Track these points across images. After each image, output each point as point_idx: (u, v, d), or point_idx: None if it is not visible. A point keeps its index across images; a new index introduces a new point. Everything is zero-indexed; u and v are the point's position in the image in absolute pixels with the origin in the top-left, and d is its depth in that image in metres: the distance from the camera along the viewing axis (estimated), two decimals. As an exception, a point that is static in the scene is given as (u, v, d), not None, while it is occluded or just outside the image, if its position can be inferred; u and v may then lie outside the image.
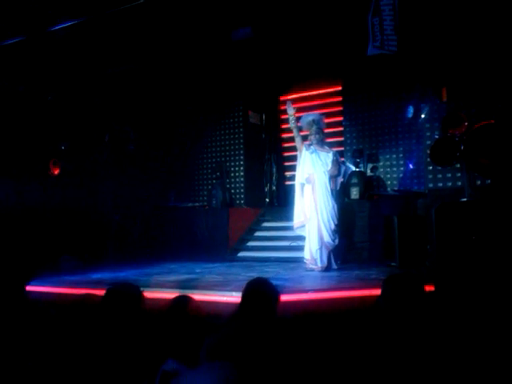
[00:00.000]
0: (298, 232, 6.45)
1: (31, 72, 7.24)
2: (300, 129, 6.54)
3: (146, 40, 7.49)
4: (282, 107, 10.06)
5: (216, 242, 8.35)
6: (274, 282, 4.95)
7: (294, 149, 8.48)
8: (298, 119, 6.52)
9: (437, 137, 7.28)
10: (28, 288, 3.49)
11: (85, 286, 5.23)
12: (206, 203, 9.35)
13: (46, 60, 7.21)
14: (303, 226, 6.29)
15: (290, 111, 6.30)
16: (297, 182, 6.52)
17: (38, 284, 5.09)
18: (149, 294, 2.83)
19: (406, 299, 2.49)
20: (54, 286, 5.37)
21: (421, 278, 2.76)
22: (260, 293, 2.49)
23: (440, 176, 7.52)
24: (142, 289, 2.72)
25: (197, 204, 9.30)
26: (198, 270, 6.71)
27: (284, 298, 4.40)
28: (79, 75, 7.74)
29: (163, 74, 8.56)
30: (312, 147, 6.37)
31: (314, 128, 6.37)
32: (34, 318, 2.78)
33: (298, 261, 6.50)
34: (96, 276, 6.25)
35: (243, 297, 2.49)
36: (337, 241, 6.18)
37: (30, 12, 6.50)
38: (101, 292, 2.77)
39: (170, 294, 4.39)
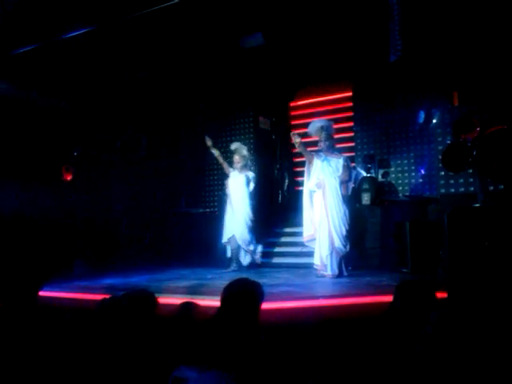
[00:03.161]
0: (308, 244, 6.49)
1: (44, 79, 7.32)
2: (306, 145, 6.60)
3: (158, 47, 7.55)
4: (293, 113, 10.10)
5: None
6: (285, 289, 4.98)
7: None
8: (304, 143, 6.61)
9: (449, 142, 7.22)
10: (41, 293, 3.51)
11: (97, 292, 5.26)
12: (216, 209, 9.36)
13: (58, 67, 7.30)
14: (314, 240, 6.30)
15: (297, 139, 6.35)
16: (305, 192, 6.53)
17: (50, 289, 5.12)
18: (160, 299, 2.84)
19: (419, 306, 2.47)
20: (66, 291, 5.40)
21: (433, 285, 2.74)
22: (241, 293, 2.32)
23: (452, 181, 7.44)
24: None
25: (208, 210, 9.31)
26: (209, 276, 6.72)
27: (295, 304, 4.41)
28: (91, 82, 7.82)
29: (174, 81, 8.62)
30: (322, 154, 6.38)
31: (323, 135, 6.38)
32: (46, 323, 2.80)
33: (309, 267, 6.49)
34: (108, 281, 6.28)
35: (222, 299, 2.33)
36: (348, 247, 6.15)
37: (44, 19, 6.59)
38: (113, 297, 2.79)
39: (180, 300, 4.41)
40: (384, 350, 2.34)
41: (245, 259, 7.43)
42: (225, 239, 7.46)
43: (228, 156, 8.05)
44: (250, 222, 7.35)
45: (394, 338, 2.42)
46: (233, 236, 7.36)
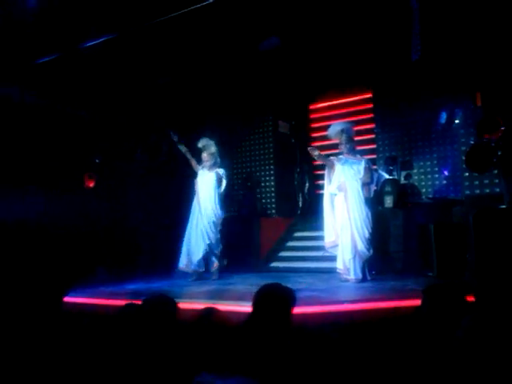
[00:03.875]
0: (330, 251, 6.39)
1: (66, 87, 7.44)
2: (325, 148, 6.52)
3: (177, 54, 7.60)
4: (312, 115, 10.06)
5: (248, 252, 8.33)
6: (309, 293, 4.92)
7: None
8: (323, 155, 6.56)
9: (472, 142, 7.09)
10: (66, 299, 3.54)
11: (121, 297, 5.28)
12: (236, 213, 9.36)
13: (79, 75, 7.40)
14: (336, 246, 6.22)
15: (315, 152, 6.29)
16: (326, 196, 6.42)
17: (75, 295, 5.17)
18: (182, 304, 2.83)
19: (448, 310, 2.40)
20: (90, 297, 5.45)
21: (462, 288, 2.67)
22: (273, 298, 2.32)
23: (477, 182, 7.30)
24: (175, 300, 2.73)
25: (228, 214, 9.30)
26: (230, 281, 6.70)
27: (319, 309, 4.36)
28: (111, 89, 7.91)
29: (193, 87, 8.67)
30: (343, 157, 6.32)
31: (344, 137, 6.31)
32: (71, 329, 2.82)
33: (332, 271, 6.40)
34: (130, 287, 6.31)
35: (254, 304, 2.33)
36: (371, 250, 6.06)
37: (65, 28, 6.70)
38: (136, 303, 2.79)
39: (201, 305, 4.40)
40: (412, 356, 2.28)
41: (209, 266, 7.04)
42: (192, 240, 6.97)
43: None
44: (217, 222, 7.04)
45: (422, 343, 2.36)
46: (201, 237, 6.94)
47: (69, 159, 7.56)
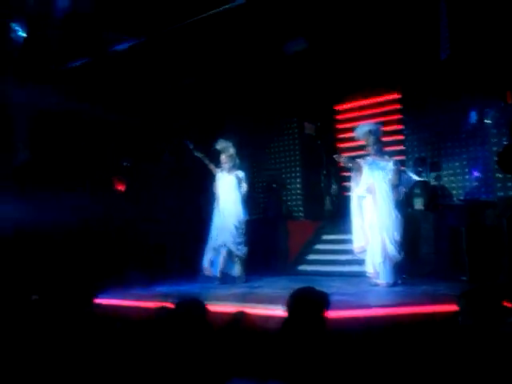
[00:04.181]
0: (359, 256, 6.29)
1: (95, 91, 7.56)
2: (352, 150, 6.45)
3: (203, 57, 7.65)
4: (338, 117, 9.96)
5: (275, 255, 8.29)
6: (338, 298, 4.86)
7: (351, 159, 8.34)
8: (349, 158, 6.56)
9: (505, 143, 6.89)
10: (96, 301, 3.58)
11: (151, 300, 5.33)
12: (261, 215, 9.33)
13: (108, 79, 7.52)
14: (365, 251, 6.13)
15: (342, 159, 6.34)
16: (354, 199, 6.33)
17: (105, 297, 5.23)
18: (210, 307, 2.82)
19: (486, 315, 2.33)
20: (121, 299, 5.51)
21: (499, 293, 2.58)
22: (307, 302, 2.29)
23: (510, 184, 7.11)
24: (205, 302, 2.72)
25: (252, 216, 9.29)
26: (257, 284, 6.67)
27: (349, 313, 4.29)
28: (138, 93, 8.01)
29: (219, 90, 8.70)
30: (370, 159, 6.23)
31: (371, 139, 6.22)
32: (101, 331, 2.84)
33: (361, 275, 6.31)
34: (159, 289, 6.36)
35: (289, 309, 2.31)
36: (402, 253, 5.94)
37: (93, 34, 6.83)
38: (168, 305, 2.79)
39: (231, 308, 4.38)
40: (450, 362, 2.21)
41: (233, 270, 7.00)
42: (215, 244, 6.97)
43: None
44: (239, 226, 6.97)
45: (460, 349, 2.29)
46: (223, 241, 6.92)
47: (98, 162, 7.68)
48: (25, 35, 6.51)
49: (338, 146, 9.66)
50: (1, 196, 6.48)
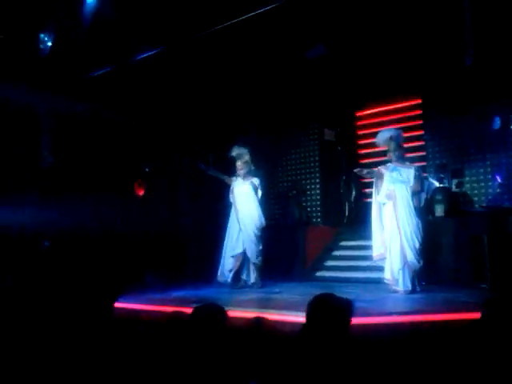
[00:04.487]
0: (378, 263, 6.26)
1: (117, 98, 7.70)
2: (373, 156, 6.37)
3: (223, 65, 7.73)
4: (359, 123, 9.93)
5: (293, 261, 8.29)
6: (357, 304, 4.79)
7: (371, 165, 8.29)
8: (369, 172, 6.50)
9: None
10: (116, 305, 3.64)
11: (170, 304, 5.38)
12: (280, 221, 9.34)
13: (130, 87, 7.66)
14: (384, 259, 6.09)
15: (363, 172, 6.33)
16: (374, 206, 6.28)
17: (125, 301, 5.30)
18: (229, 312, 2.84)
19: (506, 324, 2.29)
20: (140, 303, 5.57)
21: None
22: (328, 309, 2.17)
23: (534, 191, 6.99)
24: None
25: (271, 222, 9.30)
26: (276, 290, 6.68)
27: (367, 320, 4.27)
28: (160, 100, 8.13)
29: (240, 98, 8.76)
30: (391, 165, 6.19)
31: (393, 145, 6.17)
32: (122, 335, 2.88)
33: (380, 282, 6.26)
34: (179, 293, 6.42)
35: (308, 316, 2.21)
36: (422, 261, 5.87)
37: (115, 44, 6.98)
38: (186, 310, 2.83)
39: (249, 314, 4.40)
40: (471, 369, 2.18)
41: (249, 276, 7.03)
42: (233, 252, 6.98)
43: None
44: (258, 233, 6.99)
45: (483, 357, 2.26)
46: (242, 249, 6.95)
47: (120, 167, 7.80)
48: (51, 44, 6.68)
49: (359, 152, 9.63)
50: (25, 200, 6.65)
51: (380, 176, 6.22)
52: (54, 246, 6.54)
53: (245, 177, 7.12)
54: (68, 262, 6.46)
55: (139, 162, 8.30)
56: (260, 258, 7.01)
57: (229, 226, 7.15)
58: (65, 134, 7.33)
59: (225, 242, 7.13)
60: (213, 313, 2.54)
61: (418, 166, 6.48)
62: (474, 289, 5.89)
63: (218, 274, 7.06)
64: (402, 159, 6.24)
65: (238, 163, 7.08)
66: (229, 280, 6.97)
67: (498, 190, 7.61)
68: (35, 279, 5.82)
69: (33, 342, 2.87)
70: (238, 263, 6.99)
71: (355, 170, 6.37)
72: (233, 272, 6.98)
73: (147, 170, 8.24)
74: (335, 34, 7.18)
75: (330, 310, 2.16)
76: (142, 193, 8.08)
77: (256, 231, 6.99)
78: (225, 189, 7.49)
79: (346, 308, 2.20)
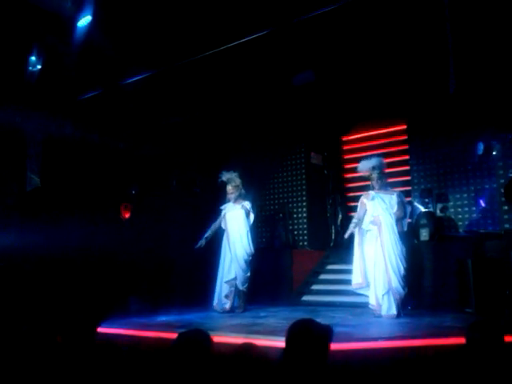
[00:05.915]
0: (357, 292, 6.29)
1: (104, 121, 7.73)
2: (357, 223, 6.27)
3: (210, 89, 7.81)
4: (345, 147, 10.05)
5: (279, 285, 8.25)
6: (341, 329, 4.83)
7: (357, 189, 8.38)
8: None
9: (511, 175, 6.92)
10: (99, 329, 3.58)
11: (154, 329, 5.31)
12: (267, 245, 9.33)
13: (117, 110, 7.70)
14: (363, 288, 6.12)
15: (349, 232, 6.28)
16: (356, 234, 6.25)
17: (108, 326, 5.22)
18: (215, 338, 2.81)
19: (489, 348, 2.30)
20: (124, 328, 5.48)
21: (501, 327, 2.56)
22: (306, 335, 2.16)
23: (516, 216, 7.09)
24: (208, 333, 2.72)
25: (259, 246, 9.29)
26: (262, 314, 6.63)
27: (352, 345, 4.25)
28: (146, 124, 8.17)
29: (226, 121, 8.84)
30: (372, 192, 6.25)
31: (376, 174, 6.23)
32: (105, 358, 2.83)
33: (365, 306, 6.26)
34: (163, 318, 6.33)
35: (287, 341, 2.19)
36: (406, 289, 5.88)
37: (103, 68, 7.04)
38: (170, 335, 2.79)
39: (235, 339, 4.36)
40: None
41: (234, 301, 6.97)
42: (227, 278, 6.92)
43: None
44: (248, 259, 6.94)
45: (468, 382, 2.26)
46: (234, 275, 6.91)
47: (106, 190, 7.76)
48: (40, 67, 6.71)
49: (345, 176, 9.73)
50: (8, 223, 6.56)
51: (363, 207, 6.25)
52: (36, 269, 6.43)
53: (236, 200, 7.09)
54: (50, 285, 6.35)
55: (126, 185, 8.26)
56: (246, 285, 6.96)
57: (222, 252, 7.10)
58: (52, 157, 7.30)
59: (219, 269, 7.06)
60: (198, 339, 2.51)
61: (400, 192, 6.52)
62: (459, 313, 5.92)
63: (215, 302, 6.98)
64: (384, 187, 6.30)
65: (229, 187, 7.06)
66: (227, 307, 6.86)
67: (481, 215, 7.73)
68: (16, 303, 5.71)
69: (14, 366, 2.82)
70: (233, 288, 6.93)
71: (346, 236, 6.38)
72: (230, 298, 6.91)
73: (134, 192, 8.20)
74: (322, 60, 7.31)
75: (308, 336, 2.15)
76: (127, 216, 8.03)
77: (246, 257, 6.94)
78: (214, 214, 7.47)
79: (325, 334, 2.20)
